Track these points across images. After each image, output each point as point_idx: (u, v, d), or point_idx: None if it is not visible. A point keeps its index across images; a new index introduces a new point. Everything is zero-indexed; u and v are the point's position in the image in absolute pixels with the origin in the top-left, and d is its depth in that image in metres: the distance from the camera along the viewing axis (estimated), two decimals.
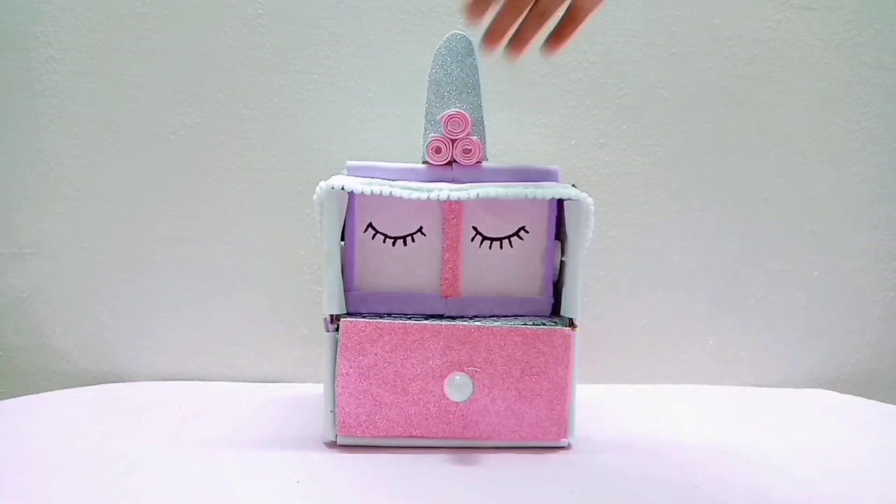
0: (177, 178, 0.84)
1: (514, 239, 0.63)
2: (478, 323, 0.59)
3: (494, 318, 0.62)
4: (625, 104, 0.86)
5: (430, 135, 0.61)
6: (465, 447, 0.60)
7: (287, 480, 0.53)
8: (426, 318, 0.61)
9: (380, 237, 0.62)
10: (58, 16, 0.81)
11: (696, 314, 0.89)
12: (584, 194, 0.59)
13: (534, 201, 0.62)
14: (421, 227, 0.63)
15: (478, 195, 0.58)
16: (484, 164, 0.62)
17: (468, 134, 0.61)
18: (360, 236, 0.62)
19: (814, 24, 0.87)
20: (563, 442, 0.61)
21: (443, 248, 0.63)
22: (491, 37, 0.57)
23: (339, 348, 0.59)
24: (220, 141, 0.84)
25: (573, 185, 0.61)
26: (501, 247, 0.63)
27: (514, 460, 0.58)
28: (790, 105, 0.88)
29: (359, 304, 0.62)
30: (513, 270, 0.64)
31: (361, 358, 0.59)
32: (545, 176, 0.62)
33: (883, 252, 0.90)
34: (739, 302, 0.89)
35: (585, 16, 0.56)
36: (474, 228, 0.63)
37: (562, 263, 0.64)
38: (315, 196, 0.59)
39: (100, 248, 0.84)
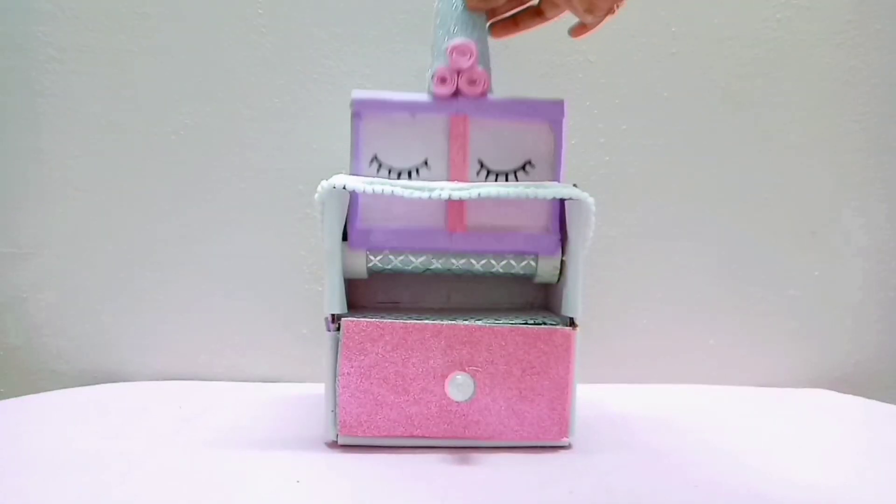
0: (177, 178, 0.84)
1: (520, 173, 0.63)
2: (479, 322, 0.59)
3: (495, 318, 0.62)
4: (625, 104, 0.87)
5: (435, 65, 0.61)
6: (465, 447, 0.60)
7: (288, 480, 0.53)
8: (427, 318, 0.61)
9: (385, 170, 0.62)
10: (58, 16, 0.81)
11: (696, 314, 0.89)
12: (586, 194, 0.59)
13: (539, 134, 0.62)
14: (426, 160, 0.62)
15: (479, 195, 0.58)
16: (489, 95, 0.62)
17: (473, 64, 0.61)
18: (366, 170, 0.62)
19: (814, 24, 0.87)
20: (564, 442, 0.61)
21: (448, 180, 0.62)
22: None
23: (339, 348, 0.59)
24: (220, 141, 0.84)
25: (574, 185, 0.61)
26: (507, 180, 0.63)
27: (515, 460, 0.58)
28: (790, 105, 0.88)
29: (363, 238, 0.62)
30: (519, 205, 0.63)
31: (362, 357, 0.59)
32: (550, 109, 0.62)
33: (883, 252, 0.90)
34: (739, 302, 0.89)
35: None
36: (479, 162, 0.63)
37: (562, 263, 0.64)
38: (316, 195, 0.59)
39: (100, 248, 0.84)
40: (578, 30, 0.61)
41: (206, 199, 0.84)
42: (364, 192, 0.58)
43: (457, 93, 0.61)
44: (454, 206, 0.62)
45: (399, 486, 0.53)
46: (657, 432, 0.67)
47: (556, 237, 0.64)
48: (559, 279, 0.65)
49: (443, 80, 0.61)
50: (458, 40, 0.61)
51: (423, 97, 0.62)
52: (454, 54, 0.60)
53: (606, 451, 0.61)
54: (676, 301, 0.89)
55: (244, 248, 0.85)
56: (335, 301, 0.60)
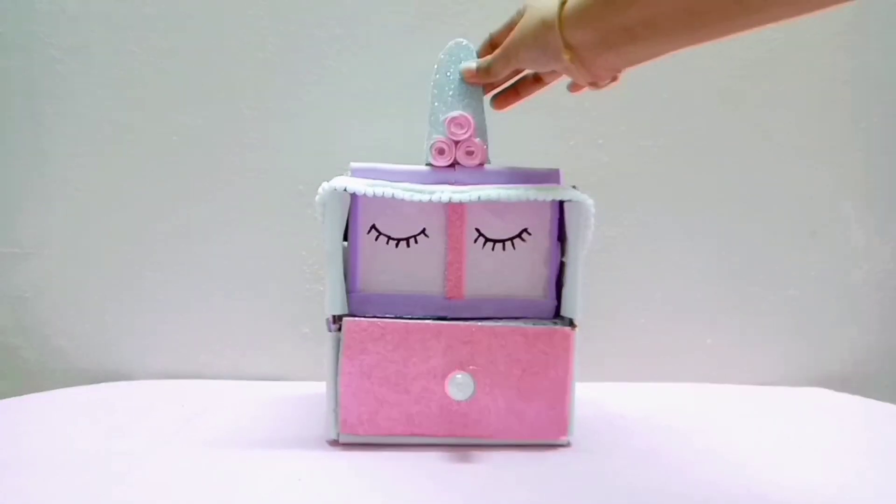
0: (177, 179, 0.84)
1: (517, 241, 0.63)
2: (479, 323, 0.59)
3: (495, 318, 0.62)
4: (624, 105, 0.87)
5: (433, 137, 0.61)
6: (466, 445, 0.61)
7: (289, 478, 0.53)
8: (427, 315, 0.61)
9: (383, 238, 0.62)
10: (58, 16, 0.81)
11: (696, 314, 0.89)
12: (585, 195, 0.60)
13: (535, 203, 0.62)
14: (424, 229, 0.63)
15: (479, 197, 0.58)
16: (486, 166, 0.62)
17: (471, 136, 0.61)
18: (364, 237, 0.62)
19: (814, 25, 0.87)
20: (563, 440, 0.61)
21: (446, 249, 0.63)
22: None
23: (341, 348, 0.59)
24: (221, 141, 0.84)
25: (573, 187, 0.61)
26: (504, 248, 0.63)
27: (515, 458, 0.59)
28: (790, 105, 0.88)
29: (362, 305, 0.62)
30: (516, 272, 0.64)
31: (363, 357, 0.59)
32: (546, 178, 0.62)
33: (883, 252, 0.90)
34: (738, 301, 0.90)
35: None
36: (477, 230, 0.63)
37: (562, 264, 0.64)
38: (317, 197, 0.59)
39: (101, 248, 0.84)
40: (577, 86, 0.61)
41: (206, 199, 0.84)
42: (365, 194, 0.58)
43: (454, 164, 0.62)
44: (453, 274, 0.63)
45: (400, 485, 0.53)
46: (656, 431, 0.67)
47: (554, 304, 0.64)
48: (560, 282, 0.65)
49: (441, 152, 0.61)
50: (456, 112, 0.61)
51: (421, 168, 0.62)
52: (452, 126, 0.61)
53: (605, 450, 0.62)
54: (676, 301, 0.89)
55: (245, 248, 0.85)
56: (336, 301, 0.60)
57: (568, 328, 0.60)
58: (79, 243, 0.84)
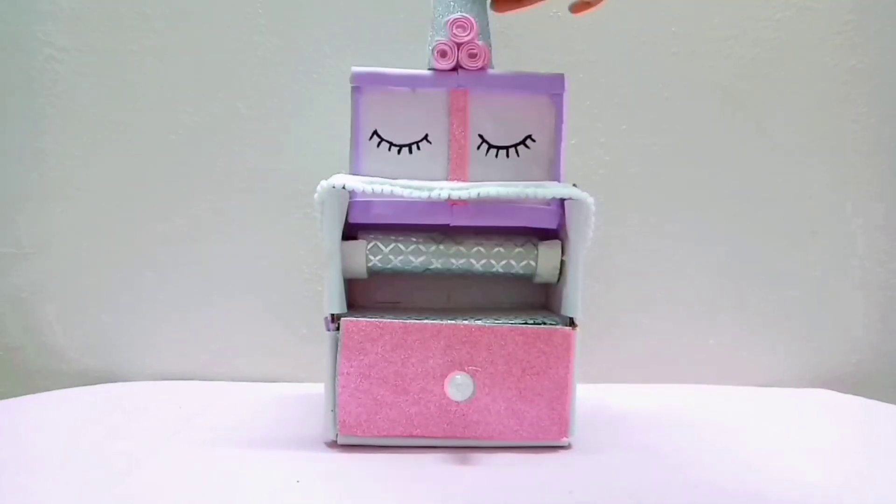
0: (177, 178, 0.84)
1: (521, 147, 0.63)
2: (479, 322, 0.59)
3: (495, 317, 0.62)
4: (625, 104, 0.87)
5: (435, 39, 0.61)
6: (465, 447, 0.60)
7: (287, 480, 0.53)
8: (427, 317, 0.61)
9: (385, 145, 0.62)
10: (58, 15, 0.81)
11: (697, 314, 0.89)
12: (586, 194, 0.59)
13: (539, 109, 0.62)
14: (427, 135, 0.62)
15: (479, 194, 0.58)
16: (489, 69, 0.62)
17: (473, 38, 0.61)
18: (365, 143, 0.62)
19: (814, 24, 0.87)
20: (564, 441, 0.61)
21: (449, 155, 0.62)
22: None
23: (339, 348, 0.59)
24: (220, 140, 0.84)
25: (574, 185, 0.61)
26: (508, 155, 0.63)
27: (515, 460, 0.58)
28: (790, 105, 0.88)
29: (364, 211, 0.61)
30: (520, 178, 0.63)
31: (362, 357, 0.59)
32: (550, 83, 0.62)
33: (883, 252, 0.90)
34: (739, 302, 0.89)
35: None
36: (480, 136, 0.62)
37: (562, 263, 0.64)
38: (316, 195, 0.59)
39: (100, 248, 0.84)
40: (580, 6, 0.61)
41: (205, 198, 0.84)
42: (363, 191, 0.58)
43: (457, 67, 0.61)
44: (456, 179, 0.62)
45: (399, 486, 0.53)
46: (657, 432, 0.67)
47: (557, 211, 0.63)
48: (559, 279, 0.65)
49: (443, 54, 0.61)
50: (458, 14, 0.61)
51: (423, 72, 0.62)
52: (454, 28, 0.60)
53: (606, 451, 0.61)
54: (676, 301, 0.89)
55: (244, 248, 0.85)
56: (335, 301, 0.60)
57: (568, 328, 0.60)
58: (79, 243, 0.84)
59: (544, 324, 0.60)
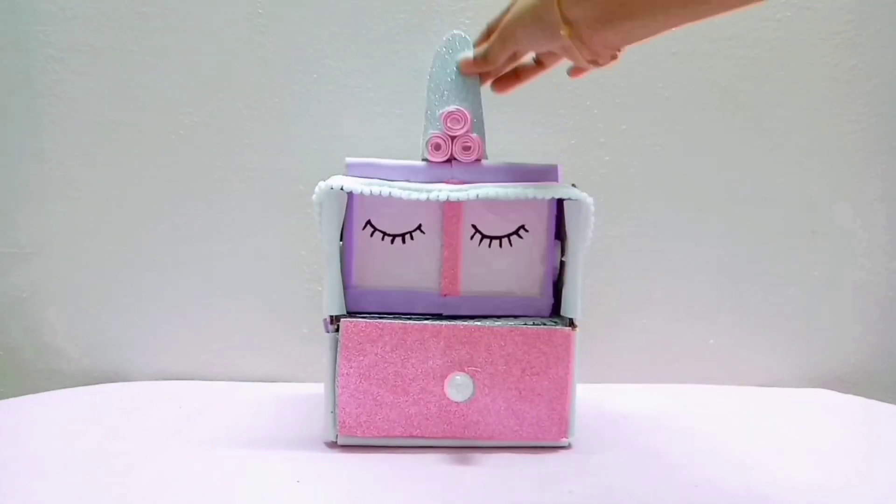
0: (177, 178, 0.84)
1: (514, 238, 0.63)
2: (478, 323, 0.59)
3: (494, 318, 0.62)
4: (625, 104, 0.86)
5: (429, 132, 0.61)
6: (465, 447, 0.60)
7: (287, 480, 0.53)
8: (426, 318, 0.61)
9: (378, 235, 0.62)
10: (58, 16, 0.81)
11: (697, 314, 0.89)
12: (584, 194, 0.59)
13: (533, 200, 0.62)
14: (420, 225, 0.62)
15: (477, 195, 0.58)
16: (483, 161, 0.62)
17: (468, 131, 0.61)
18: (359, 234, 0.62)
19: (814, 24, 0.87)
20: (564, 442, 0.61)
21: (442, 246, 0.63)
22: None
23: (339, 348, 0.59)
24: (220, 141, 0.84)
25: (573, 185, 0.61)
26: (501, 245, 0.63)
27: (515, 460, 0.58)
28: (790, 105, 0.88)
29: (357, 301, 0.62)
30: (512, 269, 0.64)
31: (361, 358, 0.59)
32: (545, 174, 0.62)
33: (883, 252, 0.90)
34: (739, 302, 0.89)
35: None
36: (474, 227, 0.63)
37: (562, 263, 0.64)
38: (314, 196, 0.59)
39: (100, 248, 0.84)
40: (577, 71, 0.61)
41: (206, 198, 0.84)
42: (361, 193, 0.58)
43: (451, 159, 0.61)
44: (449, 270, 0.63)
45: (398, 487, 0.53)
46: (657, 432, 0.67)
47: (550, 302, 0.64)
48: (559, 279, 0.65)
49: (437, 147, 0.61)
50: (452, 107, 0.61)
51: (417, 163, 0.62)
52: (448, 121, 0.61)
53: (606, 451, 0.61)
54: (676, 301, 0.89)
55: (244, 248, 0.85)
56: (334, 302, 0.60)
57: (568, 328, 0.60)
58: (79, 243, 0.84)
59: (544, 324, 0.60)
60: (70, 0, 0.81)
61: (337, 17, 0.83)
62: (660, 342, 0.89)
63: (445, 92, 0.62)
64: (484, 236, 0.63)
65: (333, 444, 0.61)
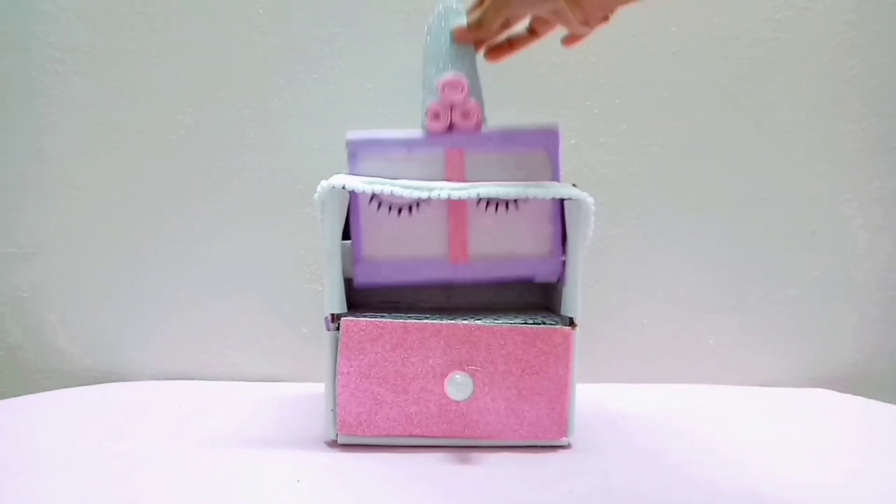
0: (177, 178, 0.84)
1: (520, 200, 0.63)
2: (478, 322, 0.59)
3: (495, 317, 0.62)
4: (625, 104, 0.87)
5: (428, 101, 0.61)
6: (465, 446, 0.60)
7: (288, 479, 0.53)
8: (426, 315, 0.61)
9: (385, 207, 0.62)
10: (59, 16, 0.81)
11: (697, 314, 0.89)
12: (585, 194, 0.59)
13: (535, 162, 0.62)
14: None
15: (478, 195, 0.58)
16: (483, 127, 0.62)
17: (466, 97, 0.61)
18: (365, 208, 0.62)
19: (814, 24, 0.87)
20: (563, 441, 0.61)
21: (448, 214, 0.63)
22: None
23: (339, 347, 0.59)
24: (220, 141, 0.84)
25: (573, 185, 0.61)
26: (507, 209, 0.63)
27: (514, 459, 0.58)
28: (790, 105, 0.88)
29: (369, 273, 0.62)
30: (520, 232, 0.63)
31: (362, 357, 0.59)
32: (544, 136, 0.63)
33: (883, 252, 0.90)
34: (739, 302, 0.89)
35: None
36: (478, 193, 0.63)
37: (562, 263, 0.64)
38: (316, 195, 0.59)
39: (101, 248, 0.84)
40: (571, 39, 0.61)
41: (206, 198, 0.84)
42: (364, 191, 0.58)
43: (451, 127, 0.61)
44: (457, 237, 0.63)
45: (398, 485, 0.53)
46: (657, 432, 0.67)
47: (559, 261, 0.64)
48: (559, 279, 0.65)
49: (436, 116, 0.61)
50: (449, 75, 0.61)
51: (417, 134, 0.62)
52: (446, 89, 0.61)
53: (606, 451, 0.61)
54: (676, 301, 0.89)
55: (245, 248, 0.85)
56: (335, 301, 0.60)
57: (568, 328, 0.60)
58: (79, 243, 0.84)
59: (543, 323, 0.60)
60: (71, 0, 0.81)
61: (337, 17, 0.84)
62: (660, 342, 0.89)
63: (441, 62, 0.62)
64: (490, 201, 0.63)
65: (334, 443, 0.61)
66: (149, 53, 0.83)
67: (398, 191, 0.58)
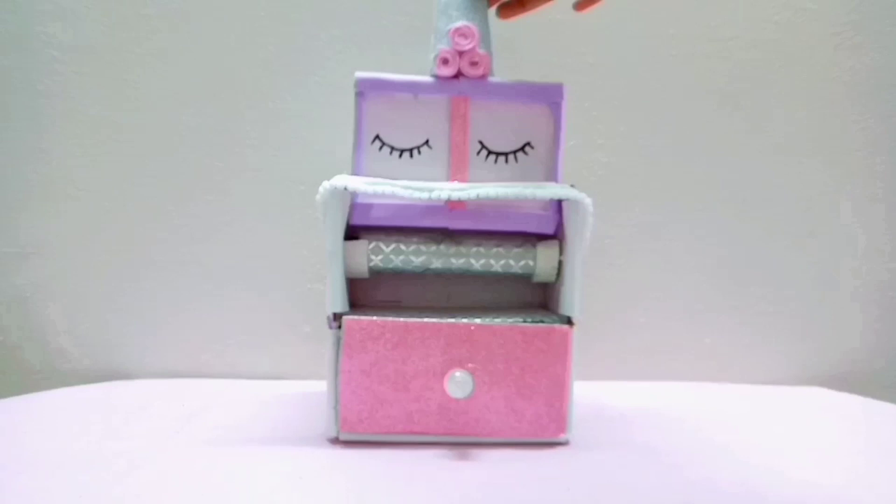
0: (178, 178, 0.84)
1: (520, 154, 0.64)
2: (478, 321, 0.60)
3: (494, 316, 0.62)
4: (624, 105, 0.87)
5: (437, 47, 0.62)
6: (465, 443, 0.61)
7: (290, 477, 0.53)
8: (427, 314, 0.61)
9: (386, 149, 0.63)
10: (60, 16, 0.82)
11: (696, 313, 0.89)
12: (583, 195, 0.60)
13: (538, 117, 0.63)
14: (427, 140, 0.63)
15: (477, 195, 0.59)
16: (490, 78, 0.63)
17: (475, 46, 0.62)
18: (367, 147, 0.63)
19: (813, 26, 0.87)
20: (562, 438, 0.62)
21: (449, 160, 0.63)
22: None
23: (341, 346, 0.59)
24: (222, 141, 0.84)
25: (572, 186, 0.62)
26: (507, 161, 0.64)
27: (514, 456, 0.59)
28: (790, 105, 0.88)
29: (364, 214, 0.63)
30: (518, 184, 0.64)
31: (363, 355, 0.59)
32: (549, 92, 0.63)
33: (883, 252, 0.90)
34: (738, 301, 0.90)
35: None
36: (480, 142, 0.63)
37: (560, 263, 0.64)
38: (318, 196, 0.60)
39: (102, 247, 0.84)
40: (584, 4, 0.62)
41: (208, 198, 0.85)
42: (365, 192, 0.59)
43: (458, 74, 0.63)
44: (456, 180, 0.63)
45: (400, 483, 0.53)
46: (655, 429, 0.68)
47: (555, 216, 0.64)
48: (557, 278, 0.66)
49: (445, 62, 0.62)
50: (461, 23, 0.62)
51: (425, 78, 0.63)
52: (456, 36, 0.62)
53: (605, 448, 0.62)
54: (675, 300, 0.89)
55: (247, 248, 0.85)
56: (337, 299, 0.60)
57: (566, 326, 0.61)
58: (79, 243, 0.84)
59: (542, 322, 0.61)
60: (72, 1, 0.82)
61: (338, 18, 0.84)
62: (659, 340, 0.89)
63: (454, 12, 0.63)
64: (490, 152, 0.64)
65: (336, 440, 0.61)
66: (150, 54, 0.83)
67: (399, 191, 0.59)
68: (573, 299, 0.62)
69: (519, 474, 0.55)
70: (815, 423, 0.72)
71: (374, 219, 0.63)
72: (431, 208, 0.63)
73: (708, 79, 0.87)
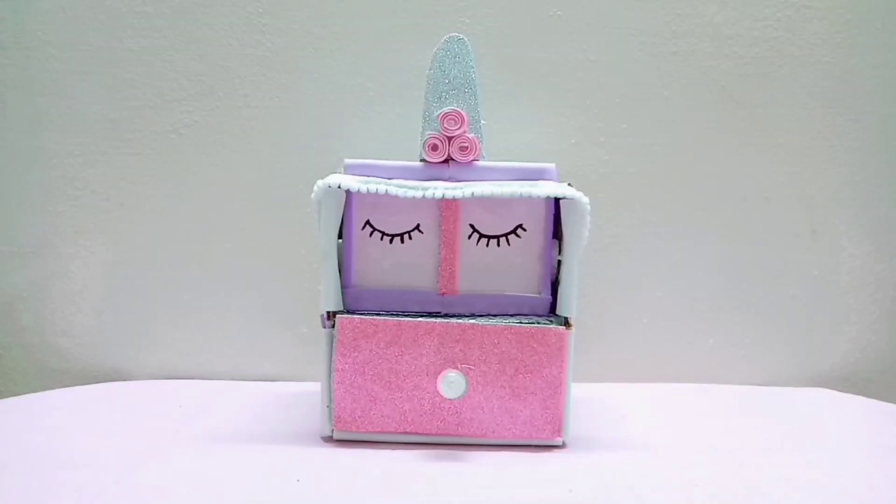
0: (177, 177, 0.84)
1: (512, 237, 0.64)
2: (472, 321, 0.60)
3: (490, 316, 0.62)
4: (625, 103, 0.86)
5: (426, 133, 0.62)
6: (459, 444, 0.61)
7: (284, 474, 0.53)
8: (422, 315, 0.61)
9: (377, 234, 0.63)
10: (58, 14, 0.82)
11: (696, 313, 0.89)
12: (580, 193, 0.59)
13: (530, 199, 0.62)
14: (418, 225, 0.63)
15: (472, 193, 0.58)
16: (480, 162, 0.62)
17: (464, 131, 0.61)
18: (358, 234, 0.63)
19: (814, 24, 0.87)
20: (558, 440, 0.61)
21: (440, 245, 0.63)
22: None
23: (334, 344, 0.59)
24: (220, 140, 0.84)
25: (569, 184, 0.61)
26: (499, 245, 0.64)
27: (509, 458, 0.59)
28: (790, 105, 0.88)
29: (356, 300, 0.63)
30: (510, 268, 0.64)
31: (356, 354, 0.59)
32: (540, 174, 0.63)
33: (883, 252, 0.90)
34: (739, 301, 0.89)
35: None
36: (471, 226, 0.63)
37: (558, 262, 0.64)
38: (313, 194, 0.60)
39: (100, 247, 0.85)
40: None
41: (205, 197, 0.84)
42: (359, 191, 0.59)
43: (448, 159, 0.62)
44: (447, 269, 0.63)
45: (392, 481, 0.53)
46: (656, 431, 0.67)
47: (548, 300, 0.64)
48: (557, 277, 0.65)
49: (434, 148, 0.61)
50: (449, 108, 0.61)
51: (414, 164, 0.63)
52: (445, 121, 0.61)
53: (604, 450, 0.62)
54: (676, 300, 0.89)
55: (244, 247, 0.85)
56: (331, 298, 0.61)
57: (562, 327, 0.60)
58: (78, 243, 0.84)
59: (538, 322, 0.61)
60: None
61: (337, 16, 0.84)
62: (659, 341, 0.89)
63: (443, 94, 0.62)
64: (482, 235, 0.63)
65: (329, 439, 0.61)
66: (149, 52, 0.83)
67: (392, 190, 0.59)
68: (570, 300, 0.62)
69: (514, 476, 0.55)
70: (816, 424, 0.72)
71: (368, 303, 0.63)
72: (425, 295, 0.63)
73: (709, 77, 0.87)
